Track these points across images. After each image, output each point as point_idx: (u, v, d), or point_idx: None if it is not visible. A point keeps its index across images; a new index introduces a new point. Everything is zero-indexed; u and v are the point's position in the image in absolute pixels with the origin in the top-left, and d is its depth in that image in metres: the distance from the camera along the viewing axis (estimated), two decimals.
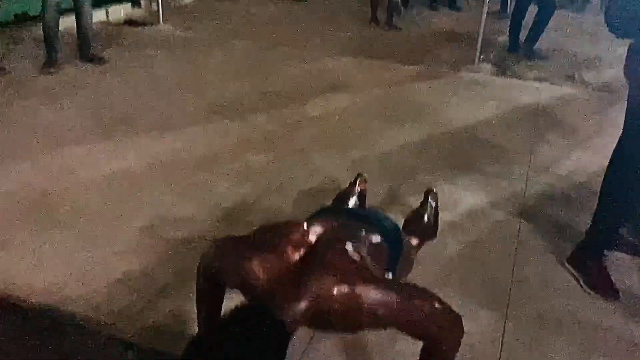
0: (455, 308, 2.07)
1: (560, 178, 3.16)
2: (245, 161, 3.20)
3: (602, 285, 2.24)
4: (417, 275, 2.18)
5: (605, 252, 2.36)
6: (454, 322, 1.47)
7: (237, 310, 1.26)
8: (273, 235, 1.48)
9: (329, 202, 2.62)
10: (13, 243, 2.40)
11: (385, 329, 1.42)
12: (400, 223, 2.36)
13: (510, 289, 2.24)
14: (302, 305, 1.31)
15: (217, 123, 3.69)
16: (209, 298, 1.68)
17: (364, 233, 1.65)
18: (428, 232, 2.33)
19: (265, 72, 4.74)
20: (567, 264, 2.37)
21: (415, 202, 2.55)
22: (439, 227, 2.53)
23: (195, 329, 1.83)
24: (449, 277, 2.29)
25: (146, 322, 2.00)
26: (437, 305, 1.44)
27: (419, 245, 2.18)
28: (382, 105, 4.14)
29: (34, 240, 2.42)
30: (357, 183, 2.60)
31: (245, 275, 1.40)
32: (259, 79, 4.56)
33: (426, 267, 2.28)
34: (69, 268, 2.26)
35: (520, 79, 4.85)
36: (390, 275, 1.75)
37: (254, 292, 1.36)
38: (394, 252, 1.78)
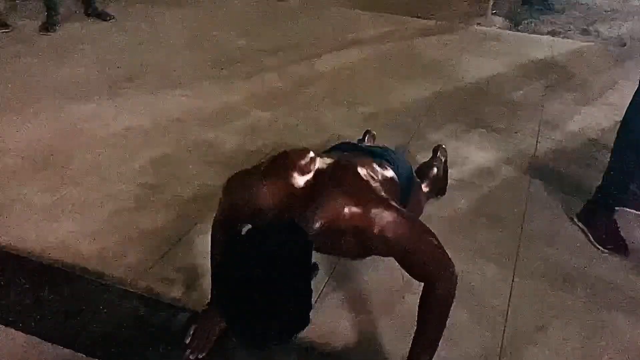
0: (463, 262, 2.09)
1: (572, 134, 3.12)
2: (254, 118, 3.18)
3: (611, 240, 2.24)
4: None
5: (616, 208, 2.35)
6: (450, 267, 1.51)
7: (256, 226, 1.27)
8: (280, 162, 1.48)
9: None
10: (24, 200, 2.42)
11: (390, 256, 1.45)
12: None
13: (519, 244, 2.25)
14: (317, 217, 1.33)
15: (224, 79, 3.65)
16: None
17: (377, 166, 1.65)
18: (437, 185, 2.32)
19: (273, 27, 4.66)
20: (576, 220, 2.36)
21: (424, 159, 2.54)
22: (448, 183, 2.53)
23: (207, 282, 1.86)
24: (457, 233, 2.29)
25: (158, 276, 2.03)
26: (439, 246, 1.47)
27: (428, 195, 2.17)
28: (393, 61, 4.08)
29: (45, 196, 2.44)
30: (366, 140, 2.58)
31: (256, 201, 1.41)
32: (266, 34, 4.49)
33: (434, 223, 2.26)
34: (80, 224, 2.29)
35: (533, 33, 4.74)
36: None
37: (267, 218, 1.38)
38: (405, 190, 1.80)
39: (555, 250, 2.23)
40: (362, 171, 1.50)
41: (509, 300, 1.98)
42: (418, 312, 1.54)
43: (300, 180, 1.42)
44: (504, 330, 1.86)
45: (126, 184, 2.55)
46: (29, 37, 4.25)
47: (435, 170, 2.31)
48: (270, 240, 1.22)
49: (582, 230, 2.32)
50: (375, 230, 1.36)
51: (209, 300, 1.77)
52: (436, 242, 1.48)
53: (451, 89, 3.63)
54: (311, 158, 1.49)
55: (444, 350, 1.66)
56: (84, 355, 1.69)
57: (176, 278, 2.02)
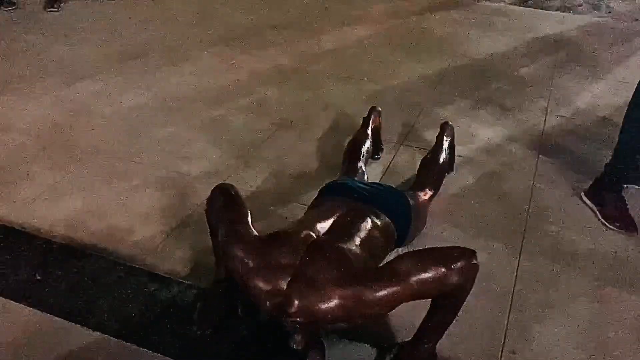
0: (470, 240, 2.09)
1: (581, 111, 3.09)
2: (259, 95, 3.16)
3: (619, 217, 2.23)
4: (434, 208, 2.19)
5: (624, 185, 2.33)
6: (469, 275, 1.44)
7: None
8: (275, 245, 1.47)
9: (343, 139, 2.61)
10: (31, 178, 2.43)
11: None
12: (417, 162, 2.35)
13: (526, 222, 2.24)
14: (294, 318, 1.34)
15: (230, 57, 3.63)
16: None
17: (369, 220, 1.70)
18: (444, 172, 2.32)
19: (279, 3, 4.61)
20: (584, 197, 2.35)
21: (431, 136, 2.52)
22: (456, 161, 2.52)
23: (214, 259, 1.86)
24: (465, 210, 2.29)
25: (165, 253, 2.04)
26: (449, 267, 1.40)
27: (432, 196, 2.18)
28: (399, 37, 4.03)
29: (52, 175, 2.45)
30: (371, 119, 2.57)
31: (242, 274, 1.43)
32: (271, 10, 4.44)
33: (443, 200, 2.28)
34: (88, 202, 2.30)
35: (542, 8, 4.66)
36: (400, 251, 1.84)
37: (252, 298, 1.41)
38: (404, 225, 1.86)
39: (563, 228, 2.22)
40: (345, 248, 1.51)
41: (516, 277, 1.98)
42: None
43: (290, 262, 1.40)
44: (510, 307, 1.87)
45: (133, 161, 2.55)
46: (34, 15, 4.23)
47: (441, 160, 2.29)
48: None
49: (590, 208, 2.31)
50: (359, 313, 1.37)
51: (215, 277, 1.78)
52: (445, 269, 1.39)
53: (459, 66, 3.59)
54: (308, 238, 1.50)
55: (451, 327, 1.66)
56: (92, 331, 1.71)
57: (183, 255, 2.03)
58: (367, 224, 1.68)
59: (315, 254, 1.43)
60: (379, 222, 1.73)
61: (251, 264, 1.41)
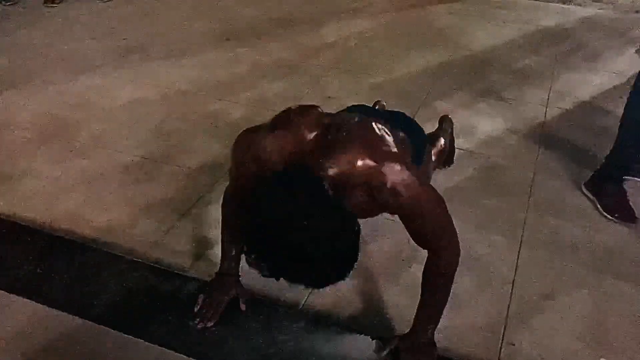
0: (470, 232, 2.10)
1: (582, 103, 3.08)
2: (260, 89, 3.16)
3: (619, 209, 2.23)
4: None
5: (625, 177, 2.33)
6: (455, 237, 1.49)
7: (274, 176, 1.24)
8: (287, 116, 1.43)
9: None
10: (32, 171, 2.44)
11: (398, 214, 1.42)
12: None
13: (526, 213, 2.24)
14: (330, 166, 1.29)
15: (230, 50, 3.62)
16: (234, 224, 1.69)
17: (391, 126, 1.60)
18: (443, 156, 2.31)
19: None
20: (584, 189, 2.35)
21: (432, 128, 2.51)
22: (456, 153, 2.52)
23: (215, 252, 1.87)
24: (465, 202, 2.29)
25: (167, 247, 2.05)
26: (447, 216, 1.45)
27: (435, 165, 2.16)
28: (400, 29, 4.02)
29: (53, 168, 2.46)
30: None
31: (263, 156, 1.36)
32: (272, 3, 4.43)
33: (442, 192, 2.26)
34: (89, 195, 2.30)
35: (545, 0, 4.65)
36: None
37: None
38: (419, 153, 1.76)
39: (563, 220, 2.23)
40: (376, 127, 1.46)
41: (516, 269, 1.99)
42: (422, 281, 1.54)
43: (309, 133, 1.36)
44: (510, 298, 1.87)
45: (133, 155, 2.56)
46: (34, 10, 4.22)
47: (442, 140, 2.29)
48: (292, 185, 1.20)
49: (590, 200, 2.31)
50: (389, 185, 1.32)
51: (217, 270, 1.79)
52: (445, 212, 1.46)
53: (460, 58, 3.58)
54: (319, 113, 1.44)
55: (450, 319, 1.68)
56: (94, 324, 1.72)
57: (184, 248, 2.04)
58: (388, 129, 1.59)
59: (341, 126, 1.41)
60: (398, 134, 1.62)
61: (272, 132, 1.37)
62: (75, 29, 3.90)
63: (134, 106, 2.97)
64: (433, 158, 2.11)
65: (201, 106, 2.98)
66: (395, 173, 1.32)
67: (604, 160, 2.33)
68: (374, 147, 1.37)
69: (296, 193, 1.19)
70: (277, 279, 1.25)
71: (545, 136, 2.76)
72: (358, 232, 1.24)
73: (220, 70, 3.37)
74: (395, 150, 1.42)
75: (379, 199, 1.34)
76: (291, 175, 1.23)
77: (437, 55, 3.60)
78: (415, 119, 2.82)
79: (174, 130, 2.75)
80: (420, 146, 1.81)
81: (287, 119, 1.42)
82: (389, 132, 1.49)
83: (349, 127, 1.40)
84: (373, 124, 1.47)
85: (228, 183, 1.70)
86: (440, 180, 2.29)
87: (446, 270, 1.51)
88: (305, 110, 1.44)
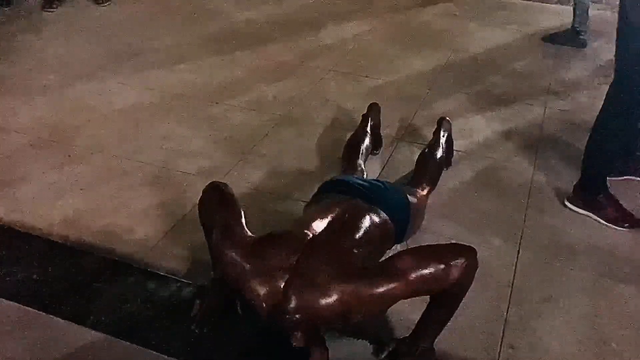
0: (469, 234, 2.09)
1: (581, 105, 3.07)
2: (259, 92, 3.16)
3: (623, 217, 2.19)
4: (432, 202, 2.19)
5: (625, 177, 2.32)
6: (467, 272, 1.44)
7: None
8: (267, 249, 1.44)
9: (343, 135, 2.60)
10: (30, 178, 2.43)
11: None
12: (415, 157, 2.35)
13: (525, 215, 2.24)
14: (293, 317, 1.33)
15: (228, 53, 3.62)
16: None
17: (367, 218, 1.67)
18: (441, 167, 2.31)
19: None
20: (572, 206, 2.28)
21: (429, 131, 2.51)
22: (455, 155, 2.51)
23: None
24: (463, 204, 2.28)
25: (164, 251, 2.04)
26: (448, 265, 1.40)
27: (430, 191, 2.17)
28: (399, 31, 4.01)
29: (50, 175, 2.45)
30: (371, 115, 2.56)
31: (236, 279, 1.41)
32: (270, 6, 4.43)
33: (441, 195, 2.28)
34: (86, 201, 2.30)
35: (543, 2, 4.64)
36: (398, 247, 1.83)
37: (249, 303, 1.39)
38: (403, 222, 1.84)
39: (562, 222, 2.22)
40: (344, 245, 1.51)
41: (515, 271, 1.98)
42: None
43: (284, 266, 1.38)
44: (510, 301, 1.86)
45: (131, 160, 2.55)
46: (32, 14, 4.22)
47: (438, 155, 2.28)
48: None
49: (582, 214, 2.25)
50: (358, 310, 1.36)
51: (213, 275, 1.78)
52: (445, 266, 1.39)
53: (458, 60, 3.57)
54: (300, 243, 1.46)
55: (449, 322, 1.66)
56: (90, 330, 1.71)
57: (182, 253, 2.03)
58: (366, 222, 1.67)
59: (312, 252, 1.42)
60: (377, 220, 1.71)
61: (246, 267, 1.39)
62: (73, 33, 3.90)
63: (131, 110, 2.96)
64: (426, 188, 2.16)
65: (199, 110, 2.97)
66: (366, 294, 1.34)
67: (582, 174, 2.28)
68: (345, 269, 1.39)
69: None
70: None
71: (544, 138, 2.75)
72: None
73: (218, 74, 3.36)
74: (365, 266, 1.46)
75: (361, 316, 1.39)
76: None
77: (435, 57, 3.59)
78: (414, 120, 2.83)
79: (172, 135, 2.75)
80: (402, 213, 1.87)
81: (267, 252, 1.43)
82: (365, 234, 1.59)
83: (310, 263, 1.40)
84: (345, 243, 1.52)
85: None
86: (439, 182, 2.28)
87: (458, 288, 1.47)
88: (288, 240, 1.47)
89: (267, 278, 1.36)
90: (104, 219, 2.20)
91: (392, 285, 1.34)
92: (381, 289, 1.34)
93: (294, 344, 1.34)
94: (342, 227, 1.61)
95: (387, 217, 1.76)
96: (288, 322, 1.34)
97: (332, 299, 1.33)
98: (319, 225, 1.59)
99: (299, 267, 1.38)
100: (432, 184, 2.20)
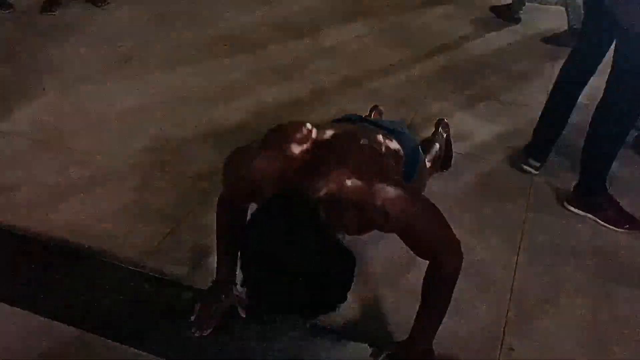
0: (469, 236, 2.09)
1: (581, 106, 3.06)
2: (258, 94, 3.16)
3: (623, 219, 2.19)
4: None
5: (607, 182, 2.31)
6: (455, 244, 1.48)
7: (265, 203, 1.23)
8: (277, 134, 1.43)
9: None
10: (29, 181, 2.43)
11: (391, 232, 1.42)
12: None
13: (524, 217, 2.24)
14: (319, 188, 1.29)
15: (228, 57, 3.62)
16: (229, 231, 1.69)
17: (382, 138, 1.61)
18: (440, 161, 2.31)
19: (276, 2, 4.59)
20: (572, 208, 2.28)
21: (429, 132, 2.51)
22: (454, 157, 2.51)
23: (212, 260, 1.86)
24: (463, 207, 2.28)
25: (164, 255, 2.04)
26: (443, 223, 1.44)
27: (431, 171, 2.16)
28: (398, 34, 4.01)
29: (51, 177, 2.45)
30: (372, 115, 2.56)
31: (254, 176, 1.37)
32: (269, 9, 4.43)
33: (439, 197, 2.26)
34: (86, 204, 2.30)
35: (542, 3, 4.64)
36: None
37: (266, 193, 1.32)
38: (411, 164, 1.76)
39: (562, 224, 2.22)
40: (365, 143, 1.47)
41: (515, 273, 1.98)
42: (422, 289, 1.53)
43: (299, 152, 1.37)
44: (509, 303, 1.86)
45: (131, 163, 2.55)
46: (31, 18, 4.22)
47: (437, 145, 2.28)
48: (283, 213, 1.19)
49: (583, 216, 2.25)
50: (378, 205, 1.33)
51: (213, 278, 1.78)
52: (440, 219, 1.45)
53: (457, 61, 3.58)
54: (309, 130, 1.44)
55: (449, 324, 1.66)
56: (90, 334, 1.71)
57: (181, 256, 2.03)
58: (381, 139, 1.61)
59: (342, 141, 1.43)
60: (391, 144, 1.65)
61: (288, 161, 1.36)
62: (72, 36, 3.89)
63: (131, 113, 2.96)
64: (428, 164, 2.11)
65: (199, 113, 2.97)
66: (384, 192, 1.33)
67: (580, 176, 2.29)
68: (363, 166, 1.37)
69: (291, 223, 1.17)
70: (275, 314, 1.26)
71: None
72: (353, 266, 1.22)
73: (218, 77, 3.36)
74: (384, 168, 1.43)
75: (370, 219, 1.36)
76: (284, 203, 1.23)
77: (434, 59, 3.59)
78: (413, 122, 2.83)
79: (171, 138, 2.75)
80: (413, 157, 1.81)
81: (277, 137, 1.42)
82: (378, 147, 1.50)
83: (339, 144, 1.41)
84: (362, 140, 1.47)
85: (222, 191, 1.69)
86: (438, 184, 2.28)
87: (448, 278, 1.49)
88: (296, 127, 1.44)
89: (285, 158, 1.35)
90: (103, 222, 2.19)
91: (410, 198, 1.37)
92: (399, 192, 1.35)
93: (346, 235, 1.31)
94: (358, 134, 1.55)
95: (400, 149, 1.70)
96: (338, 211, 1.30)
97: (360, 184, 1.33)
98: (334, 129, 1.54)
99: (328, 150, 1.38)
100: (433, 163, 2.18)
